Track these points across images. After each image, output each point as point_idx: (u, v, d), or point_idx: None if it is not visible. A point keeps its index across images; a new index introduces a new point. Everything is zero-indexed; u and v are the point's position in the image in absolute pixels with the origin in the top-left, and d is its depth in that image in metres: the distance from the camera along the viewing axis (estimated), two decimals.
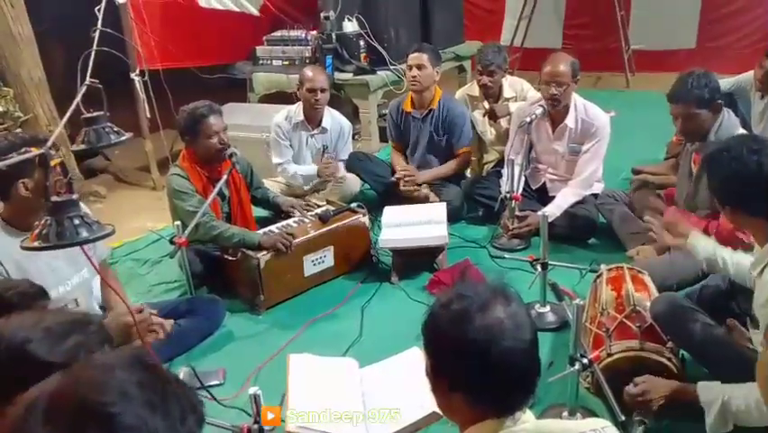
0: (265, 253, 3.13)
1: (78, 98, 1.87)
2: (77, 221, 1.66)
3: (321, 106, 4.05)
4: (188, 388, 0.97)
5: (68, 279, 2.52)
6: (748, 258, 2.20)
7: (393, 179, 4.10)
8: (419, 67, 3.97)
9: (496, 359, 1.20)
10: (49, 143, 1.83)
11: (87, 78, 1.91)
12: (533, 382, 1.26)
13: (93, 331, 1.34)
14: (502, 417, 1.24)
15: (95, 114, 1.90)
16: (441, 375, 1.27)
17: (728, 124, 2.93)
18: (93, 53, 1.97)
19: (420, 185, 4.04)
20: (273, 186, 4.03)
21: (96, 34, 2.09)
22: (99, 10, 2.28)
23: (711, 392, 2.05)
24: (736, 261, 2.26)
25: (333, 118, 4.20)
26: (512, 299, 1.28)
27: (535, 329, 1.27)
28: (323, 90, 3.99)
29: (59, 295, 2.48)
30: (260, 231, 3.32)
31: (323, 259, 3.36)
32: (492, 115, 4.18)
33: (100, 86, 1.91)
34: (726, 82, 4.14)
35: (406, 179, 4.02)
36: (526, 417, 1.27)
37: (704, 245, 2.34)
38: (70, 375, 0.92)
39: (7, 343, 1.27)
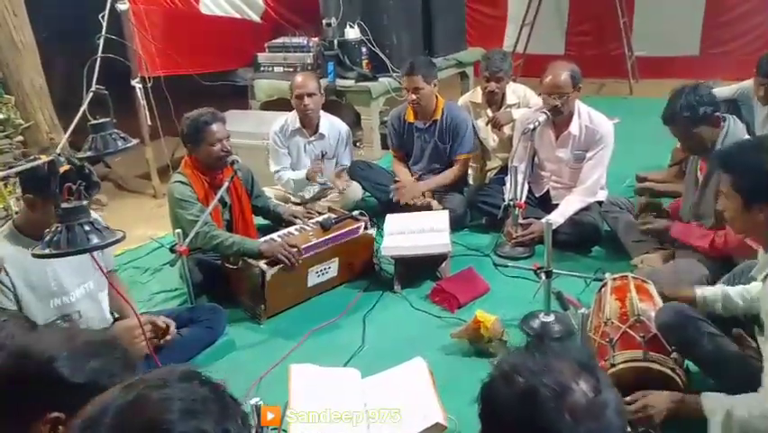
0: (269, 264, 3.06)
1: (85, 105, 1.86)
2: (87, 227, 1.65)
3: (312, 111, 4.00)
4: (238, 402, 0.99)
5: (72, 290, 2.50)
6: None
7: (390, 196, 4.04)
8: (415, 90, 3.92)
9: None
10: (58, 149, 1.81)
11: (93, 84, 1.90)
12: None
13: (118, 356, 1.34)
14: None
15: (101, 120, 1.88)
16: None
17: (735, 132, 2.89)
18: (98, 60, 1.96)
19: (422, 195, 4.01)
20: (273, 194, 4.01)
21: (101, 41, 2.08)
22: (103, 17, 2.27)
23: (715, 402, 2.02)
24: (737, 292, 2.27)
25: (330, 124, 4.16)
26: (602, 384, 0.99)
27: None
28: (309, 95, 3.94)
29: (62, 305, 2.46)
30: (262, 239, 3.29)
31: (327, 270, 3.33)
32: (496, 124, 4.16)
33: (106, 92, 1.90)
34: (729, 89, 4.13)
35: (396, 196, 3.98)
36: None
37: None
38: (132, 391, 0.94)
39: (34, 360, 1.29)
